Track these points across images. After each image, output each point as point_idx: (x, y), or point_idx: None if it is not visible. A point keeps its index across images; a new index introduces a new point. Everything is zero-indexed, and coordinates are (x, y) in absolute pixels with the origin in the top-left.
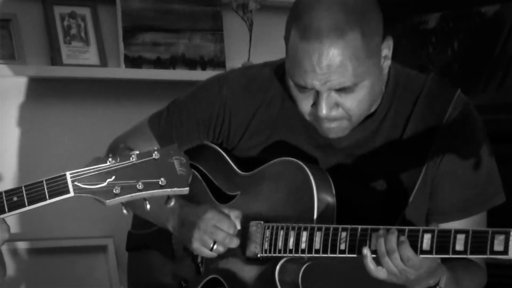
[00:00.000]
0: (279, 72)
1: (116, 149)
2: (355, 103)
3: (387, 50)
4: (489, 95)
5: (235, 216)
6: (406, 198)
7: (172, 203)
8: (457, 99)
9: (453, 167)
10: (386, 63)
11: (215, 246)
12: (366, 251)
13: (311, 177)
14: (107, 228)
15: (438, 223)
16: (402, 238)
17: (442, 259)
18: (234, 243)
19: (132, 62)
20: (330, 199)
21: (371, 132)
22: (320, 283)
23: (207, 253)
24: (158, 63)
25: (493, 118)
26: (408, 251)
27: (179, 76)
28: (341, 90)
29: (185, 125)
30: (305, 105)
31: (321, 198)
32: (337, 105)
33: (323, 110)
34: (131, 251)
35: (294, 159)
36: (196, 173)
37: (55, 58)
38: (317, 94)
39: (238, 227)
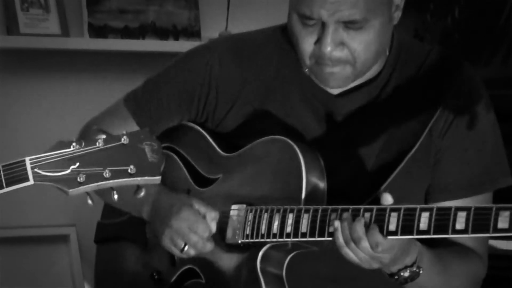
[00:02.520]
0: (271, 36)
1: (89, 132)
2: (362, 44)
3: None
4: (493, 69)
5: (212, 218)
6: (396, 165)
7: (142, 194)
8: (463, 70)
9: (457, 143)
10: (397, 14)
11: (185, 248)
12: (337, 224)
13: (300, 157)
14: (69, 216)
15: (439, 201)
16: (358, 218)
17: (427, 243)
18: (207, 247)
19: (97, 31)
20: (320, 182)
21: (373, 98)
22: (307, 276)
23: (177, 253)
24: (126, 33)
25: (497, 94)
26: (376, 237)
27: (149, 47)
28: (350, 24)
29: (165, 99)
30: (308, 43)
31: (310, 179)
32: (342, 44)
33: (328, 46)
34: (100, 243)
35: (282, 137)
36: (175, 156)
37: (11, 27)
38: (323, 29)
39: (214, 230)
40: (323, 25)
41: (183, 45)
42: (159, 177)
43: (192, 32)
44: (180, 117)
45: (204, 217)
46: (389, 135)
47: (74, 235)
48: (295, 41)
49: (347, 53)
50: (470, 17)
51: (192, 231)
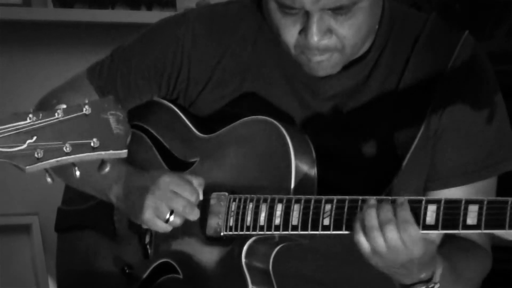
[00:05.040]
0: (249, 7)
1: (48, 107)
2: (352, 30)
3: None
4: (496, 42)
5: (198, 184)
6: (401, 159)
7: (107, 169)
8: (464, 42)
9: (458, 121)
10: None
11: (171, 217)
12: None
13: (289, 141)
14: (31, 204)
15: (435, 190)
16: (401, 199)
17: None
18: (195, 214)
19: (62, 0)
20: (310, 167)
21: (362, 78)
22: (295, 269)
23: (160, 225)
24: (94, 2)
25: (501, 69)
26: (408, 215)
27: (119, 18)
28: (336, 11)
29: (132, 74)
30: (290, 34)
31: (299, 166)
32: (330, 31)
33: (314, 37)
34: (61, 232)
35: (267, 118)
36: (145, 137)
37: None
38: (307, 17)
39: (201, 197)
40: (307, 13)
41: (157, 16)
42: (125, 151)
43: (167, 2)
44: (149, 95)
45: (189, 182)
46: (384, 121)
47: (36, 225)
48: (275, 30)
49: (335, 40)
50: None
51: (178, 195)
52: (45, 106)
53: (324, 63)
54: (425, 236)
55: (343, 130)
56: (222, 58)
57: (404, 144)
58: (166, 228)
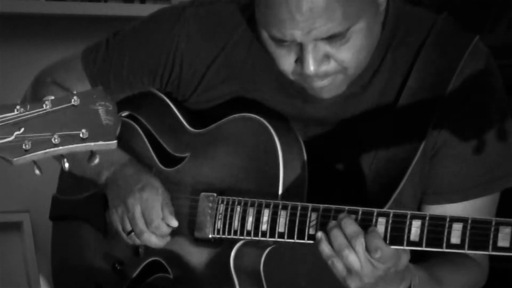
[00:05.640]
0: (246, 11)
1: (43, 84)
2: (351, 53)
3: None
4: (497, 36)
5: (169, 212)
6: (401, 174)
7: (97, 161)
8: (473, 49)
9: (458, 135)
10: None
11: (132, 234)
12: (320, 234)
13: (276, 139)
14: (23, 201)
15: (430, 204)
16: (371, 228)
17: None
18: (152, 243)
19: None
20: (299, 168)
21: (361, 86)
22: (287, 270)
23: (123, 236)
24: None
25: (502, 64)
26: (377, 240)
27: (112, 11)
28: (331, 38)
29: (126, 69)
30: (286, 63)
31: (288, 166)
32: (327, 57)
33: (310, 67)
34: (55, 221)
35: (254, 116)
36: (137, 128)
37: None
38: (301, 47)
39: (173, 223)
40: (300, 44)
41: (150, 9)
42: (114, 142)
43: None
44: (142, 88)
45: (162, 207)
46: (384, 132)
47: (27, 222)
48: (271, 56)
49: (334, 64)
50: None
51: (141, 218)
52: (40, 84)
53: (328, 87)
54: (398, 248)
55: (339, 139)
56: (216, 60)
57: (404, 157)
58: (128, 240)
